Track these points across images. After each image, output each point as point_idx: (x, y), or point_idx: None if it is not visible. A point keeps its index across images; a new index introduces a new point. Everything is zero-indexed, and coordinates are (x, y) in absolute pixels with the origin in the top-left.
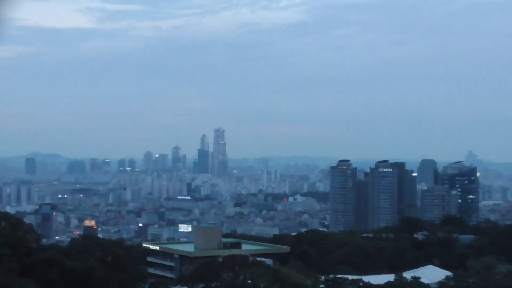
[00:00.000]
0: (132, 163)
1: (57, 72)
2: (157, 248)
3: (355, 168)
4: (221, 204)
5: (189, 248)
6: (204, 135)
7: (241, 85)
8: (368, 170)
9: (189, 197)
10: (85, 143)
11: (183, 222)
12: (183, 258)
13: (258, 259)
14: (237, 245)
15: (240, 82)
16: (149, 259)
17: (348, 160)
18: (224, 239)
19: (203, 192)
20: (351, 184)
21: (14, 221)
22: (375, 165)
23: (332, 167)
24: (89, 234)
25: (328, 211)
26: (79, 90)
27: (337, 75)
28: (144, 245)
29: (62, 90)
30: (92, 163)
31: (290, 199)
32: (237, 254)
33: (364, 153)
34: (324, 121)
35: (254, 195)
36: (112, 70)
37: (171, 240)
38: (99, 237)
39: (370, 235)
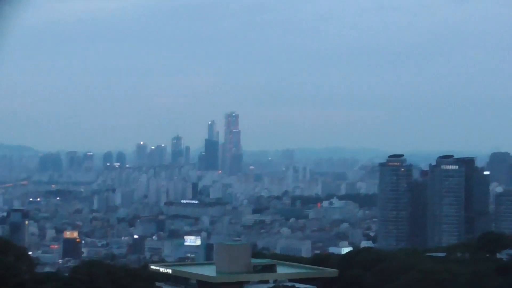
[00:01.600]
0: (121, 157)
1: (22, 40)
2: (169, 271)
3: (411, 165)
4: (236, 210)
5: (210, 271)
6: (212, 122)
7: (258, 58)
8: (426, 167)
9: (195, 201)
10: (61, 133)
11: (189, 234)
12: (203, 284)
13: (298, 286)
14: (271, 268)
15: (257, 54)
16: (158, 284)
17: (402, 155)
18: (254, 260)
19: (213, 194)
20: (406, 185)
21: (2, 243)
22: (436, 161)
23: (381, 164)
24: (95, 261)
25: (375, 220)
26: (50, 65)
27: (380, 45)
28: (152, 267)
29: (30, 64)
30: (71, 157)
31: (325, 203)
32: (272, 278)
33: (418, 145)
34: (365, 104)
35: (277, 198)
36: (94, 39)
37: (182, 260)
38: (108, 264)
39: (440, 254)
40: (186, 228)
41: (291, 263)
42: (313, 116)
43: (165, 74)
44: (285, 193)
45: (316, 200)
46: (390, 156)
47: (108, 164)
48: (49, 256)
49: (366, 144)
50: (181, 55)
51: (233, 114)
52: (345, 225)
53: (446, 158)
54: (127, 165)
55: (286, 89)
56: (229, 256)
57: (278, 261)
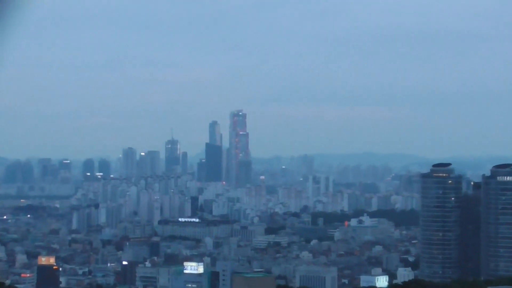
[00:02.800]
0: (104, 165)
1: None
2: None
3: (460, 176)
4: (245, 230)
5: None
6: (214, 123)
7: (269, 46)
8: (476, 178)
9: (195, 219)
10: (31, 136)
11: (189, 259)
12: None
13: None
14: None
15: (268, 42)
16: None
17: (449, 164)
18: None
19: (217, 211)
20: (454, 200)
21: None
22: (491, 171)
23: (424, 175)
24: None
25: (414, 242)
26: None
27: (420, 29)
28: None
29: None
30: (43, 165)
31: (353, 221)
32: None
33: (464, 150)
34: (398, 100)
35: (295, 215)
36: (69, 19)
37: None
38: None
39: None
40: (186, 252)
41: None
42: (335, 115)
43: (157, 64)
44: (304, 209)
45: (342, 217)
46: (434, 165)
47: (88, 174)
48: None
49: (400, 149)
50: (179, 43)
51: (240, 113)
52: (378, 248)
53: (502, 168)
54: (111, 175)
55: (303, 83)
56: None
57: None
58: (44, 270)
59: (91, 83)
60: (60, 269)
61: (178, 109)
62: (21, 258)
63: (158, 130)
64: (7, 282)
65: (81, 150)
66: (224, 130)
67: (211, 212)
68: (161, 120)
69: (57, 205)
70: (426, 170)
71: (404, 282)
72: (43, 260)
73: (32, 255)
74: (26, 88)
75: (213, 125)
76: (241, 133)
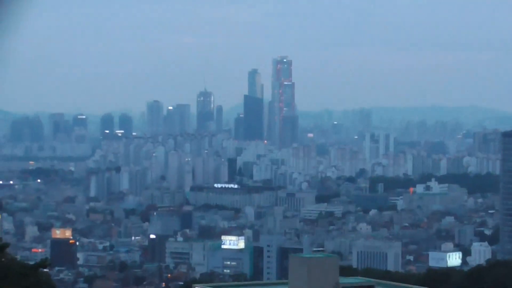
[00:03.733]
0: (126, 121)
1: None
2: None
3: None
4: (292, 198)
5: None
6: (254, 71)
7: None
8: None
9: (234, 185)
10: (40, 88)
11: (227, 232)
12: None
13: None
14: None
15: None
16: None
17: None
18: (343, 279)
19: (258, 175)
20: None
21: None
22: None
23: (505, 133)
24: None
25: (492, 212)
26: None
27: None
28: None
29: None
30: (55, 121)
31: (419, 188)
32: None
33: None
34: (472, 42)
35: (350, 180)
36: None
37: (222, 271)
38: None
39: None
40: (223, 224)
41: (397, 283)
42: (396, 61)
43: (186, 5)
44: (361, 173)
45: (406, 183)
46: None
47: (107, 131)
48: None
49: (473, 101)
50: None
51: (285, 60)
52: (448, 220)
53: None
54: (134, 133)
55: (358, 23)
56: (310, 274)
57: (379, 280)
58: (59, 245)
59: (109, 20)
60: (77, 243)
61: (212, 55)
62: (31, 231)
63: (188, 80)
64: (17, 257)
65: (99, 104)
66: (266, 80)
67: (251, 176)
68: (192, 69)
69: (72, 168)
70: (506, 126)
71: (488, 262)
72: (58, 233)
73: (44, 227)
74: (38, 35)
75: (253, 74)
76: (285, 83)
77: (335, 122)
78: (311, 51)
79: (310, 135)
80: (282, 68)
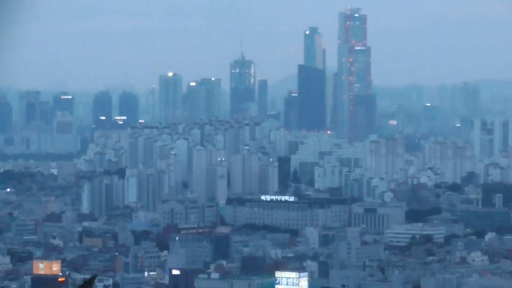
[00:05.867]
0: (129, 103)
1: None
2: None
3: None
4: (373, 215)
5: None
6: (314, 30)
7: None
8: None
9: (289, 197)
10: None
11: (281, 265)
12: None
13: None
14: None
15: None
16: None
17: None
18: None
19: (322, 181)
20: None
21: None
22: None
23: None
24: None
25: None
26: None
27: None
28: None
29: None
30: (28, 103)
31: None
32: None
33: None
34: None
35: (455, 189)
36: None
37: None
38: None
39: None
40: (275, 253)
41: None
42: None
43: None
44: (470, 177)
45: None
46: None
47: (103, 118)
48: None
49: None
50: None
51: (356, 15)
52: None
53: None
54: (141, 120)
55: None
56: None
57: None
58: (42, 283)
59: None
60: (68, 280)
61: (252, 7)
62: (1, 262)
63: (218, 44)
64: None
65: (90, 78)
66: (330, 43)
67: (312, 184)
68: (222, 26)
69: (54, 171)
70: None
71: None
72: (41, 266)
73: (20, 258)
74: None
75: (311, 35)
76: (357, 48)
77: (427, 104)
78: (390, 1)
79: (393, 122)
80: (353, 25)
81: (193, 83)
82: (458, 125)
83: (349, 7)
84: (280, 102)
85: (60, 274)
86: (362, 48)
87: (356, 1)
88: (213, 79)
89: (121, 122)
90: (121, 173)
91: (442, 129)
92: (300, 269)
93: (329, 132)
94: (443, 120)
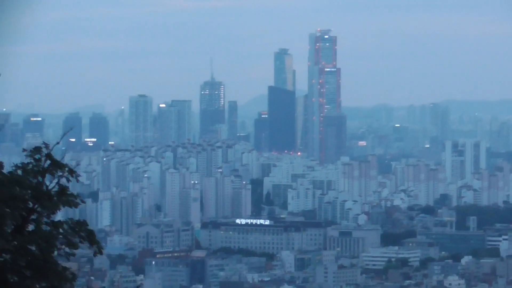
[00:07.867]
0: (100, 125)
1: None
2: None
3: None
4: (348, 239)
5: None
6: (283, 52)
7: None
8: None
9: (263, 220)
10: None
11: None
12: None
13: None
14: None
15: None
16: None
17: None
18: None
19: (296, 204)
20: None
21: None
22: None
23: None
24: None
25: None
26: None
27: None
28: None
29: None
30: (3, 123)
31: None
32: None
33: None
34: None
35: (429, 211)
36: None
37: None
38: None
39: None
40: (251, 277)
41: None
42: (479, 31)
43: None
44: (443, 200)
45: (510, 215)
46: None
47: (73, 140)
48: None
49: None
50: None
51: (326, 36)
52: None
53: None
54: (111, 142)
55: None
56: None
57: None
58: None
59: None
60: None
61: (222, 27)
62: None
63: (187, 65)
64: None
65: (60, 99)
66: (300, 64)
67: (285, 206)
68: (193, 48)
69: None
70: None
71: None
72: None
73: None
74: None
75: (281, 56)
76: (327, 69)
77: (396, 125)
78: (361, 18)
79: (362, 143)
80: (323, 47)
81: (163, 105)
82: (428, 146)
83: (319, 29)
84: (250, 123)
85: None
86: (332, 69)
87: (326, 23)
88: (182, 100)
89: (91, 144)
90: (94, 196)
91: (412, 150)
92: None
93: (299, 153)
94: (412, 141)
